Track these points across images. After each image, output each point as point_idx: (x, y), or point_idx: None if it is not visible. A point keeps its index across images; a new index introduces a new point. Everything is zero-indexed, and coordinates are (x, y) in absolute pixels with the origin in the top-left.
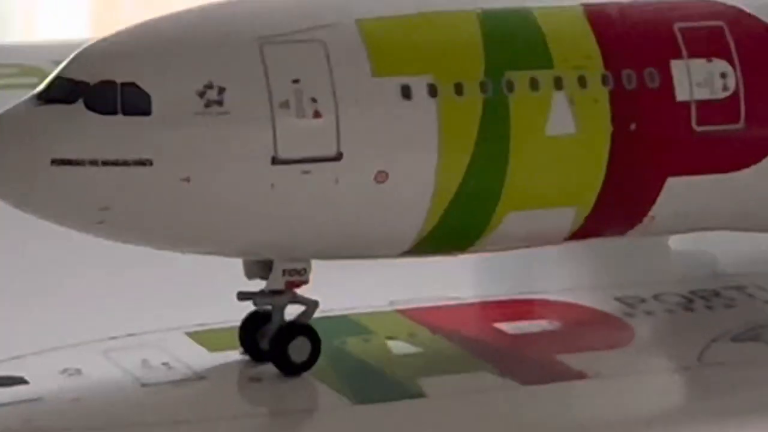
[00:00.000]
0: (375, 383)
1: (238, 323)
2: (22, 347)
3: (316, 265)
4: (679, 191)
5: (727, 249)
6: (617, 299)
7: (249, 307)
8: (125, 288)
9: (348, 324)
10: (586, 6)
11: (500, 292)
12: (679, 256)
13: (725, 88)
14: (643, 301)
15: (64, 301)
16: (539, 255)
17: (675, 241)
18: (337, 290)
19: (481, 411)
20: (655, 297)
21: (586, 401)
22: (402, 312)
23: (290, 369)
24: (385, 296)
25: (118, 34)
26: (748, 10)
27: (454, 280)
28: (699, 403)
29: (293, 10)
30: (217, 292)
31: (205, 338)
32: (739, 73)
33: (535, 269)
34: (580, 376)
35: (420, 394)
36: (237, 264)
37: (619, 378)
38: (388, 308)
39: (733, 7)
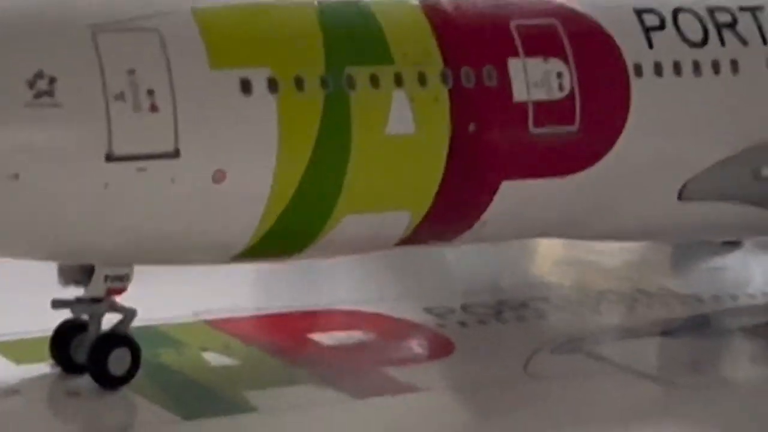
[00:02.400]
0: (201, 397)
1: (45, 333)
2: None
3: None
4: (512, 195)
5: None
6: (426, 310)
7: (54, 315)
8: None
9: (157, 335)
10: (423, 2)
11: (311, 303)
12: (476, 265)
13: (561, 89)
14: (452, 311)
15: None
16: (341, 265)
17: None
18: (137, 300)
19: (320, 426)
20: (463, 308)
21: (421, 414)
22: (210, 323)
23: (109, 382)
24: (187, 306)
25: None
26: (579, 8)
27: (259, 290)
28: (530, 414)
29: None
30: (19, 300)
31: (10, 349)
32: (573, 73)
33: (344, 278)
34: (410, 389)
35: (251, 408)
36: (38, 268)
37: (448, 391)
38: (195, 319)
39: (565, 6)
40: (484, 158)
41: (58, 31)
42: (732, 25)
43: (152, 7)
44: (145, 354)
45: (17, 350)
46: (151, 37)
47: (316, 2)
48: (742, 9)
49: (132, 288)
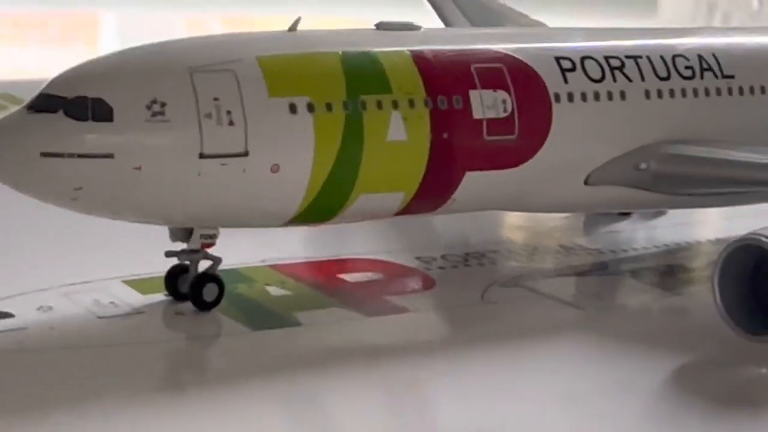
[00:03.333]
0: (264, 316)
1: (161, 273)
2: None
3: None
4: (473, 182)
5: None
6: (417, 258)
7: (166, 261)
8: (80, 245)
9: (236, 275)
10: (412, 51)
11: (339, 253)
12: (451, 228)
13: (505, 110)
14: (434, 259)
15: (32, 255)
16: (362, 226)
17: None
18: (224, 250)
19: (344, 335)
20: (443, 257)
21: (411, 328)
22: (271, 266)
23: (204, 306)
24: (257, 255)
25: (89, 62)
26: (518, 56)
27: (306, 243)
28: (487, 329)
29: (214, 49)
30: (142, 250)
31: (138, 285)
32: (513, 100)
33: (361, 236)
34: (404, 310)
35: (297, 323)
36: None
37: (431, 311)
38: (262, 264)
39: (509, 55)
40: (453, 157)
41: (168, 71)
42: (621, 67)
43: (231, 56)
44: (228, 288)
45: (143, 285)
46: (229, 75)
47: (341, 51)
48: (627, 57)
49: (220, 242)
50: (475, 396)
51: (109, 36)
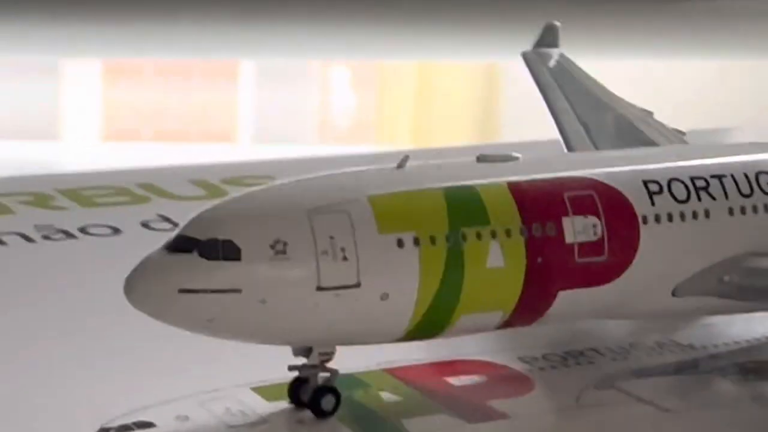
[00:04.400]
0: (375, 424)
1: (285, 381)
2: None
3: None
4: (566, 299)
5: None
6: (519, 358)
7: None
8: (212, 353)
9: (354, 381)
10: (509, 183)
11: (449, 356)
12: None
13: (595, 234)
14: (536, 359)
15: (165, 366)
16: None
17: None
18: (344, 354)
19: None
20: (543, 357)
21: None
22: (387, 370)
23: (322, 414)
24: (373, 359)
25: (219, 205)
26: (607, 181)
27: (419, 347)
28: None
29: (329, 190)
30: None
31: (264, 391)
32: (603, 224)
33: (468, 340)
34: (504, 416)
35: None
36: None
37: (528, 417)
38: (377, 368)
39: (599, 181)
40: (547, 279)
41: (288, 213)
42: (706, 187)
43: (345, 197)
44: (346, 393)
45: (269, 392)
46: (343, 216)
47: (443, 187)
48: (713, 176)
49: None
50: None
51: (247, 83)
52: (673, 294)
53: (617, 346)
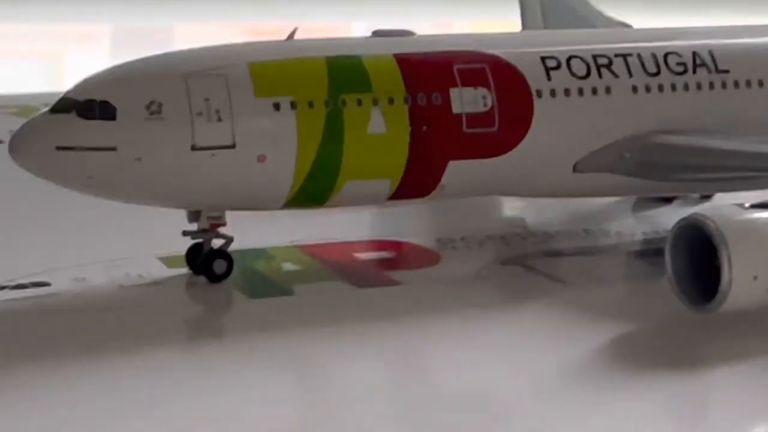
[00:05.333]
0: (265, 287)
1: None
2: (44, 265)
3: (259, 216)
4: (457, 170)
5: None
6: (438, 240)
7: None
8: (116, 226)
9: (262, 253)
10: (396, 54)
11: (364, 236)
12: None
13: (485, 105)
14: (453, 240)
15: (74, 232)
16: (390, 211)
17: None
18: (261, 232)
19: (329, 303)
20: (462, 239)
21: (398, 299)
22: (299, 246)
23: (214, 278)
24: (289, 236)
25: (102, 71)
26: (502, 56)
27: (338, 226)
28: (467, 302)
29: (210, 57)
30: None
31: (169, 260)
32: (494, 96)
33: (388, 220)
34: (396, 283)
35: (290, 293)
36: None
37: (420, 286)
38: (290, 244)
39: (494, 55)
40: (434, 147)
41: (165, 76)
42: (608, 65)
43: (222, 62)
44: (249, 262)
45: (173, 261)
46: (219, 79)
47: (325, 56)
48: (617, 55)
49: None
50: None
51: None
52: (574, 170)
53: (542, 231)
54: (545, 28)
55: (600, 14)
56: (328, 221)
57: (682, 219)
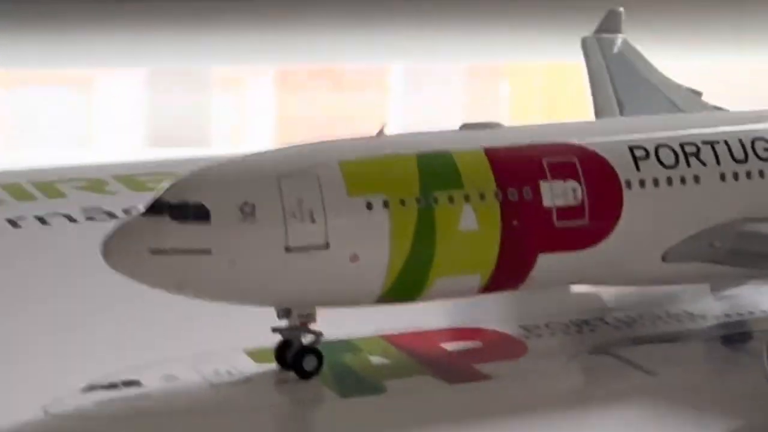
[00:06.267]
0: (356, 384)
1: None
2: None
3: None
4: (547, 262)
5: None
6: (521, 326)
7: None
8: (201, 318)
9: (348, 345)
10: (486, 148)
11: (447, 322)
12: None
13: (575, 198)
14: (537, 327)
15: (161, 324)
16: (476, 300)
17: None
18: (343, 321)
19: (424, 402)
20: (546, 325)
21: (490, 395)
22: (384, 336)
23: (305, 375)
24: (373, 325)
25: (194, 172)
26: (591, 148)
27: (419, 313)
28: (560, 396)
29: (301, 157)
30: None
31: (256, 354)
32: (584, 189)
33: (474, 309)
34: (487, 377)
35: (384, 390)
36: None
37: (512, 379)
38: (375, 334)
39: (582, 147)
40: (525, 241)
41: (257, 178)
42: (696, 153)
43: (313, 161)
44: (336, 357)
45: (260, 355)
46: (312, 179)
47: (416, 152)
48: (704, 142)
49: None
50: None
51: (397, 85)
52: (663, 259)
53: (625, 315)
54: (616, 98)
55: (668, 81)
56: (410, 307)
57: None
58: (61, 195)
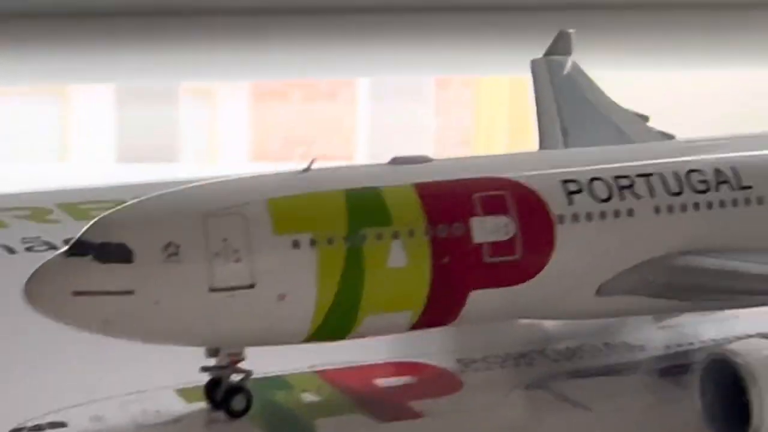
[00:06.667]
0: (286, 424)
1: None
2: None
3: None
4: (479, 299)
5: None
6: (458, 360)
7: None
8: (129, 356)
9: (280, 382)
10: (416, 184)
11: (387, 358)
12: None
13: (507, 233)
14: (474, 361)
15: (88, 364)
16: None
17: None
18: (277, 356)
19: None
20: (483, 358)
21: None
22: (318, 372)
23: (234, 415)
24: (311, 362)
25: (116, 210)
26: (523, 182)
27: (358, 348)
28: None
29: (227, 194)
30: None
31: (187, 393)
32: (516, 223)
33: (410, 343)
34: (418, 415)
35: (313, 430)
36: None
37: (444, 417)
38: (309, 370)
39: (513, 181)
40: (455, 278)
41: (182, 217)
42: (630, 186)
43: (240, 200)
44: (267, 395)
45: (191, 394)
46: (237, 218)
47: (345, 189)
48: (639, 175)
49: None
50: None
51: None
52: (597, 294)
53: (565, 348)
54: (561, 124)
55: (615, 106)
56: (351, 341)
57: (711, 353)
58: (3, 225)
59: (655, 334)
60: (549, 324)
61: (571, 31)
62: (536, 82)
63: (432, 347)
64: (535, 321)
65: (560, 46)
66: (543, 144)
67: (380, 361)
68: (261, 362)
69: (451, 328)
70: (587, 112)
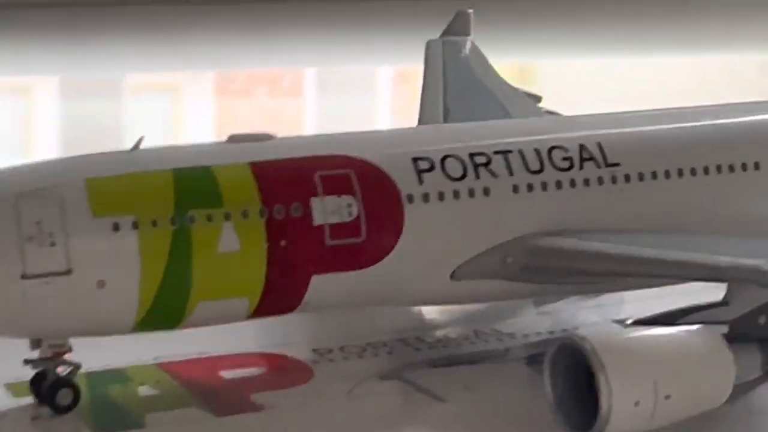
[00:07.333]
0: (115, 418)
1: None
2: None
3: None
4: (322, 284)
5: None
6: (314, 350)
7: None
8: None
9: (120, 374)
10: (252, 163)
11: (238, 349)
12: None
13: (350, 214)
14: (330, 351)
15: None
16: (276, 320)
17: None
18: (123, 348)
19: None
20: (341, 348)
21: (258, 427)
22: (161, 364)
23: (60, 410)
24: (150, 353)
25: None
26: (370, 160)
27: (211, 337)
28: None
29: (42, 174)
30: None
31: (16, 388)
32: (360, 204)
33: (265, 333)
34: (259, 408)
35: (142, 426)
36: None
37: (287, 410)
38: (153, 362)
39: (359, 159)
40: (295, 262)
41: None
42: (487, 164)
43: (57, 180)
44: (101, 387)
45: (20, 389)
46: (52, 200)
47: (173, 168)
48: (496, 152)
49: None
50: None
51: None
52: (452, 277)
53: (430, 336)
54: (444, 103)
55: (505, 85)
56: (201, 332)
57: (559, 339)
58: None
59: (529, 321)
60: (418, 311)
61: (470, 11)
62: (427, 62)
63: (290, 336)
64: (406, 308)
65: (458, 27)
66: (421, 123)
67: (229, 353)
68: (108, 354)
69: (313, 317)
70: (473, 91)
